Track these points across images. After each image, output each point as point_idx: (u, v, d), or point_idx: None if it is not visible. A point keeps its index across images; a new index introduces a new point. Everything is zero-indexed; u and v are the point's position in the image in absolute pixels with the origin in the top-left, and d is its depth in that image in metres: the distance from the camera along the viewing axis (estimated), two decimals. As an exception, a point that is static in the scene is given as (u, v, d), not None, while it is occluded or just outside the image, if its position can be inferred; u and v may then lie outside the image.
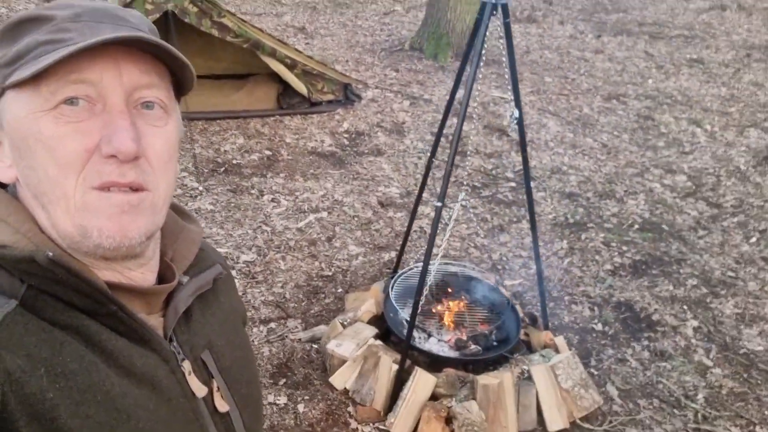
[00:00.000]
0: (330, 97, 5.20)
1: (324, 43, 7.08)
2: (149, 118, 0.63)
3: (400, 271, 2.90)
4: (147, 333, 0.64)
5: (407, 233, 2.88)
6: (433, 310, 2.73)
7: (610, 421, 2.48)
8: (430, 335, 2.59)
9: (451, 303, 2.74)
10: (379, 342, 2.54)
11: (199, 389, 0.68)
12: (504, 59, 2.36)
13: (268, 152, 4.42)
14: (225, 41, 4.68)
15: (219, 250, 3.28)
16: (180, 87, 0.68)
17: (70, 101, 0.58)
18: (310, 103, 5.10)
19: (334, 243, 3.49)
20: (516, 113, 2.30)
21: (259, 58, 4.89)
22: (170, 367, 0.66)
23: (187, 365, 0.68)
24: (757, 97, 6.31)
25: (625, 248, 3.66)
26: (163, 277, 0.71)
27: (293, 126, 4.87)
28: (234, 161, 4.25)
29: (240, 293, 2.97)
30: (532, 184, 4.17)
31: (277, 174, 4.14)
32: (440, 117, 2.81)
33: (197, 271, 0.75)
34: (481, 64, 2.27)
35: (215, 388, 0.71)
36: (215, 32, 4.54)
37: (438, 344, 2.56)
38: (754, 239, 3.82)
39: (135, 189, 0.61)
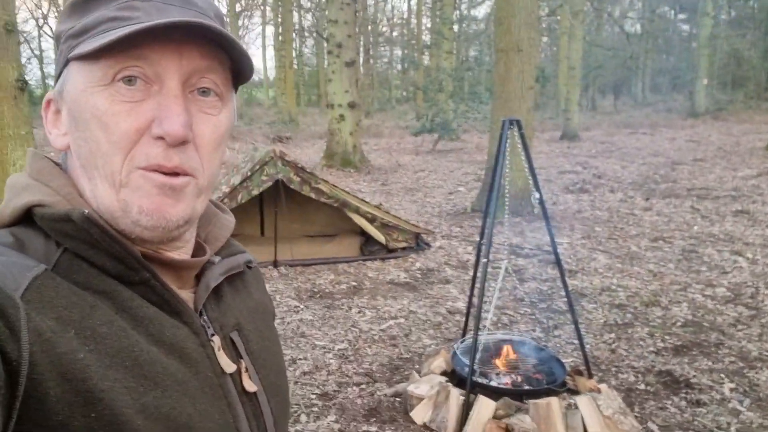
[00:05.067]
0: (404, 244, 6.20)
1: (397, 213, 8.27)
2: (203, 105, 0.63)
3: (463, 338, 3.56)
4: (178, 304, 0.64)
5: (470, 300, 3.59)
6: (492, 362, 3.33)
7: (652, 446, 2.89)
8: (490, 380, 3.18)
9: (506, 357, 3.34)
10: (448, 381, 3.15)
11: (228, 366, 0.68)
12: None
13: (354, 283, 5.33)
14: (319, 203, 5.90)
15: (316, 344, 4.07)
16: (238, 76, 0.68)
17: (128, 80, 0.59)
18: (388, 251, 6.10)
19: (411, 337, 4.18)
20: (537, 195, 3.15)
21: (345, 218, 6.06)
22: (200, 340, 0.65)
23: (216, 340, 0.68)
24: (801, 235, 6.80)
25: (667, 337, 4.14)
26: (194, 256, 0.72)
27: (374, 267, 5.82)
28: (326, 290, 5.16)
29: (335, 369, 3.70)
30: (583, 300, 4.83)
31: (362, 297, 4.99)
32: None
33: (228, 254, 0.77)
34: (506, 172, 3.19)
35: (243, 369, 0.70)
36: (313, 195, 5.77)
37: (497, 382, 3.14)
38: (792, 330, 4.21)
39: (178, 174, 0.61)
